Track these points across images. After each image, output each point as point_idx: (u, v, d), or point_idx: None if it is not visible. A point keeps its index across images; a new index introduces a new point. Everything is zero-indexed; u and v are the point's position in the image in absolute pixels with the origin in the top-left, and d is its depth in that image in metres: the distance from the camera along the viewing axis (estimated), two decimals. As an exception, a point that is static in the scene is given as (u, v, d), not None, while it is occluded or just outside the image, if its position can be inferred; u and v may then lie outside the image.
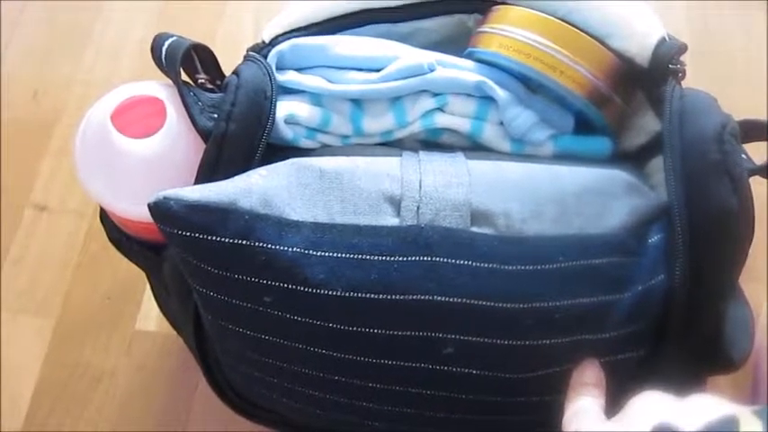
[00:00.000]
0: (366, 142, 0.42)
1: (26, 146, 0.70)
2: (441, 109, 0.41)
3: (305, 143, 0.41)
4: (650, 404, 0.29)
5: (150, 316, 0.62)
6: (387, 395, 0.36)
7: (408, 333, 0.34)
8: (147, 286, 0.62)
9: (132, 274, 0.62)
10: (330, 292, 0.33)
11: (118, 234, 0.43)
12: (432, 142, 0.43)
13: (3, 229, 0.66)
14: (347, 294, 0.33)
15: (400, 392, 0.36)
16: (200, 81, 0.41)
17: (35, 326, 0.62)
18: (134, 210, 0.37)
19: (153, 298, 0.61)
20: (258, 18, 0.75)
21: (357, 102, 0.42)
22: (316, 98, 0.41)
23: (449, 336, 0.34)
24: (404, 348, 0.34)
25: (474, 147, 0.42)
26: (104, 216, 0.44)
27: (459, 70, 0.41)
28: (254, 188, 0.34)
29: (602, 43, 0.41)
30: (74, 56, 0.75)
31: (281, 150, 0.40)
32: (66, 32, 0.77)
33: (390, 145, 0.42)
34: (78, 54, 0.75)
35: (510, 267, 0.33)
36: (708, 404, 0.27)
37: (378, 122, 0.41)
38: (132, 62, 0.74)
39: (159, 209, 0.33)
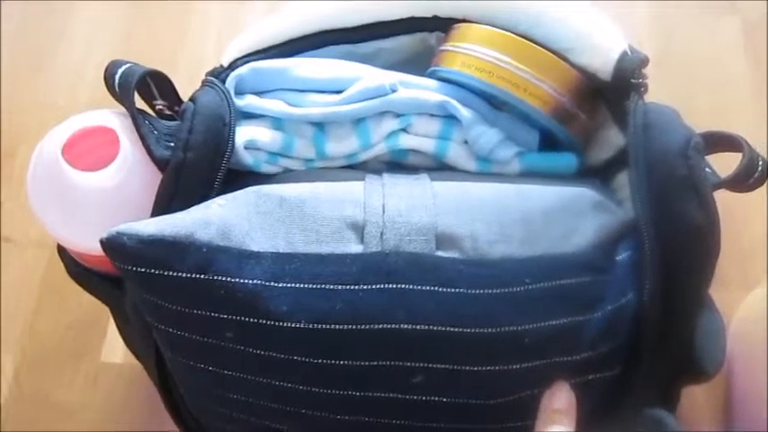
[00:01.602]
0: (330, 165, 0.41)
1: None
2: (404, 130, 0.41)
3: (267, 168, 0.40)
4: None
5: (116, 347, 0.60)
6: (357, 427, 0.35)
7: (376, 363, 0.33)
8: (111, 318, 0.61)
9: (96, 306, 0.61)
10: (294, 324, 0.32)
11: (77, 267, 0.42)
12: (397, 163, 0.42)
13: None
14: (311, 326, 0.32)
15: (371, 424, 0.35)
16: (158, 108, 0.40)
17: (-2, 361, 0.61)
18: (89, 244, 0.36)
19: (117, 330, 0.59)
20: (221, 41, 0.74)
21: (320, 125, 0.41)
22: (277, 122, 0.41)
23: (417, 364, 0.33)
24: (372, 379, 0.33)
25: (440, 167, 0.41)
26: (62, 250, 0.43)
27: (422, 90, 0.41)
28: (212, 219, 0.33)
29: (564, 58, 0.40)
30: (34, 80, 0.74)
31: (241, 176, 0.39)
32: (26, 56, 0.75)
33: (355, 167, 0.41)
34: (39, 78, 0.74)
35: (477, 291, 0.33)
36: None
37: (341, 145, 0.41)
38: (94, 87, 0.72)
39: (112, 244, 0.32)
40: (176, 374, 0.37)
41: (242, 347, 0.33)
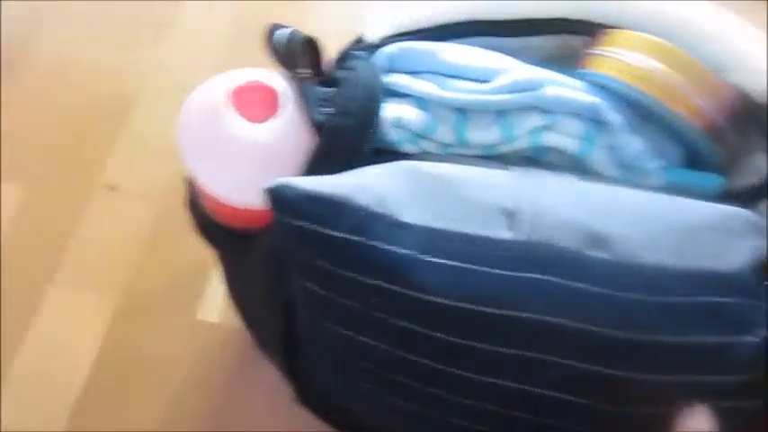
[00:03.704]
0: (468, 153, 0.41)
1: (102, 125, 0.71)
2: (549, 127, 0.40)
3: (407, 147, 0.40)
4: None
5: (213, 307, 0.61)
6: (480, 412, 0.35)
7: (513, 351, 0.33)
8: (212, 277, 0.62)
9: (198, 264, 0.63)
10: (439, 300, 0.32)
11: (206, 221, 0.43)
12: (533, 161, 0.42)
13: (71, 206, 0.67)
14: (456, 304, 0.32)
15: (494, 413, 0.35)
16: (301, 75, 0.40)
17: (96, 306, 0.62)
18: (235, 195, 0.37)
19: (218, 289, 0.61)
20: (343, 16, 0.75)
21: (462, 111, 0.41)
22: (421, 104, 0.41)
23: (554, 359, 0.32)
24: (506, 366, 0.33)
25: (578, 170, 0.41)
26: (193, 203, 0.44)
27: (573, 90, 0.40)
28: (368, 185, 0.34)
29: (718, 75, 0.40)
30: (152, 41, 0.76)
31: (380, 153, 0.39)
32: (147, 20, 0.78)
33: (492, 159, 0.41)
34: (157, 39, 0.76)
35: (624, 294, 0.32)
36: None
37: (483, 134, 0.41)
38: (213, 53, 0.74)
39: (276, 195, 0.32)
40: (309, 336, 0.38)
41: (383, 315, 0.33)
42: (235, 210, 0.38)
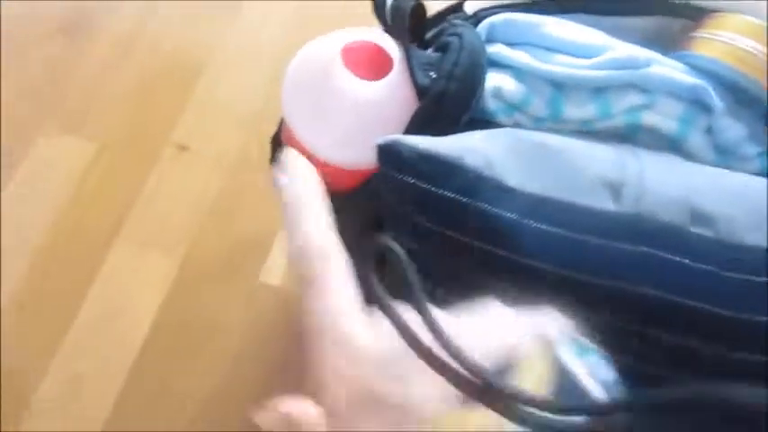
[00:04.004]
0: (561, 128, 0.41)
1: (174, 86, 0.72)
2: (648, 107, 0.40)
3: (501, 119, 0.40)
4: None
5: (275, 270, 0.62)
6: None
7: (608, 321, 0.33)
8: (276, 240, 0.63)
9: (262, 227, 0.63)
10: (540, 265, 0.32)
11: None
12: (626, 140, 0.42)
13: (140, 164, 0.68)
14: (558, 271, 0.32)
15: None
16: (407, 38, 0.40)
17: (160, 264, 0.63)
18: (333, 151, 0.37)
19: (281, 253, 0.61)
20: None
21: (558, 86, 0.41)
22: (519, 75, 0.41)
23: (655, 333, 0.32)
24: (606, 338, 0.33)
25: (672, 151, 0.41)
26: (275, 160, 0.44)
27: (674, 70, 0.40)
28: (477, 147, 0.34)
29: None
30: (224, 12, 0.76)
31: (474, 123, 0.39)
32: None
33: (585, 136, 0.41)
34: (230, 8, 0.76)
35: (728, 274, 0.32)
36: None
37: (579, 110, 0.40)
38: (283, 23, 0.74)
39: (388, 151, 0.33)
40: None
41: (485, 278, 0.33)
42: (325, 166, 0.38)
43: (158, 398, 0.58)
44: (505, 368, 0.26)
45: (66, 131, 0.69)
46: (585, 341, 0.27)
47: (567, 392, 0.25)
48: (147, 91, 0.72)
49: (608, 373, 0.26)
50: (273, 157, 0.45)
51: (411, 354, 0.24)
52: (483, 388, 0.23)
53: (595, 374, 0.26)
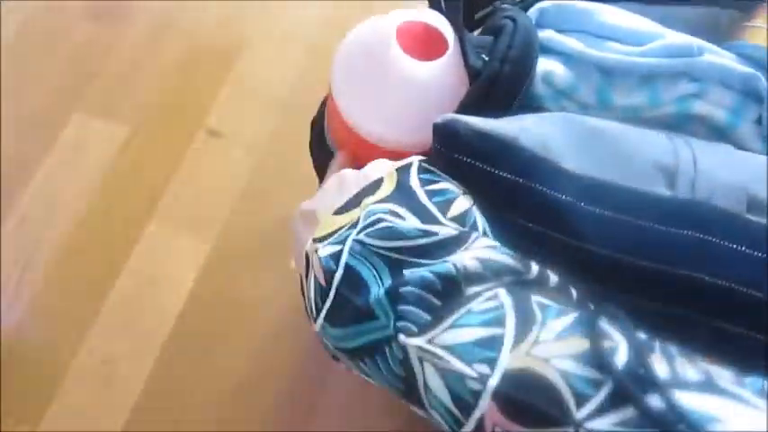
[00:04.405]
0: (607, 116, 0.41)
1: (208, 72, 0.72)
2: (699, 95, 0.40)
3: (549, 105, 0.40)
4: None
5: (308, 257, 0.61)
6: None
7: (660, 305, 0.32)
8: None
9: (293, 211, 0.63)
10: (594, 248, 0.32)
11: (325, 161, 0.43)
12: (675, 128, 0.41)
13: (173, 148, 0.68)
14: (612, 255, 0.32)
15: None
16: (459, 21, 0.40)
17: (192, 246, 0.63)
18: (380, 128, 0.37)
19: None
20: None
21: (607, 73, 0.40)
22: (569, 61, 0.40)
23: (710, 319, 0.32)
24: (660, 322, 0.33)
25: (720, 140, 0.40)
26: (315, 142, 0.44)
27: (729, 60, 0.39)
28: (531, 129, 0.33)
29: None
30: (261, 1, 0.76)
31: (524, 108, 0.39)
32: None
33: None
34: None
35: None
36: None
37: (628, 98, 0.40)
38: (321, 7, 0.74)
39: (446, 130, 0.32)
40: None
41: (540, 258, 0.33)
42: (363, 143, 0.38)
43: (190, 376, 0.58)
44: None
45: (99, 115, 0.70)
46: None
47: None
48: (182, 73, 0.72)
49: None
50: (312, 141, 0.45)
51: None
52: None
53: None
